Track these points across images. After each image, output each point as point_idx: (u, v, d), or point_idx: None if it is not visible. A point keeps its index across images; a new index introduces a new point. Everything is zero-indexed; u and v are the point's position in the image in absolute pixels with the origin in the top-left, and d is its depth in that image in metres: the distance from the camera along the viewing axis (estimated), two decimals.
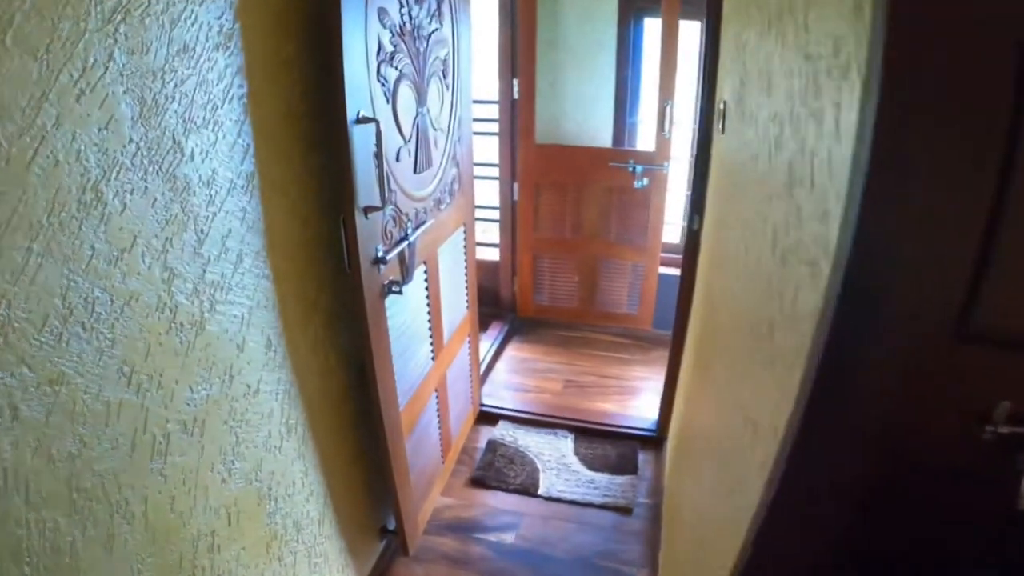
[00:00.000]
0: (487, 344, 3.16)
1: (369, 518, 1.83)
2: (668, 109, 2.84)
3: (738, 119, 1.31)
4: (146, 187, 0.86)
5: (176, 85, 0.89)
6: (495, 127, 3.22)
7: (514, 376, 3.02)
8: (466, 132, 2.09)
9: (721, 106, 1.60)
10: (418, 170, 1.65)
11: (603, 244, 3.22)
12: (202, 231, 0.98)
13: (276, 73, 1.14)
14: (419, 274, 1.74)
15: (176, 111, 0.90)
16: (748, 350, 1.03)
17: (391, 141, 1.46)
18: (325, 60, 1.21)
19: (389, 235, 1.48)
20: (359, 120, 1.26)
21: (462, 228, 2.13)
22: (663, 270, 3.24)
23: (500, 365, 3.11)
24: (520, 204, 3.25)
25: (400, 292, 1.51)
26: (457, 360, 2.21)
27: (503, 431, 2.56)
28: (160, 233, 0.90)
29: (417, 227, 1.65)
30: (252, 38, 1.05)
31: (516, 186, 3.23)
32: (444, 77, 1.80)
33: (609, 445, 2.51)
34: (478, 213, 2.81)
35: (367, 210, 1.34)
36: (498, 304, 3.53)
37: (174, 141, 0.90)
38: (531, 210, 3.24)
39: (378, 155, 1.32)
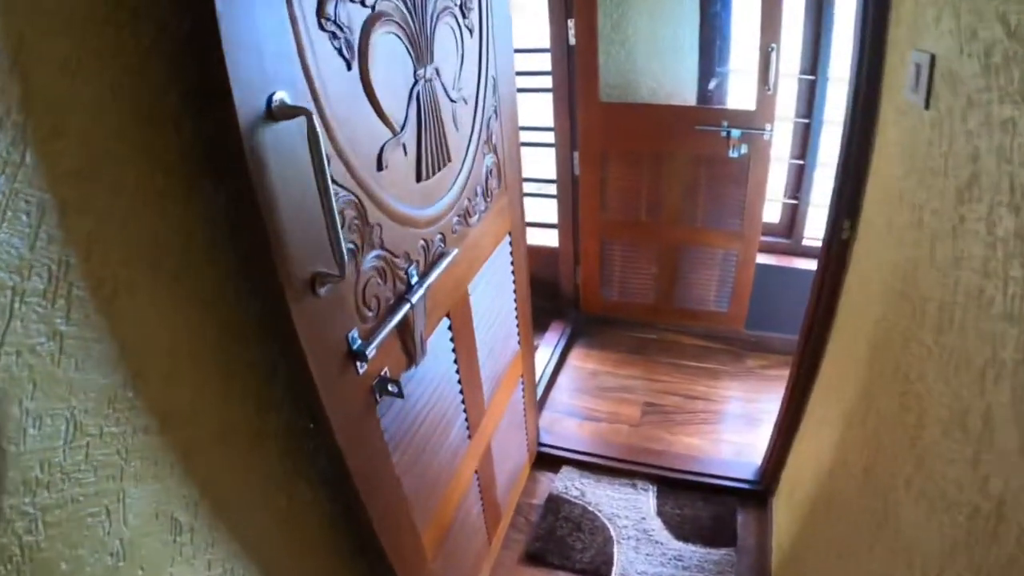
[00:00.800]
0: (546, 352, 2.61)
1: None
2: (773, 56, 2.12)
3: (1005, 101, 0.67)
4: None
5: None
6: (547, 82, 2.57)
7: (580, 397, 2.47)
8: (507, 98, 1.44)
9: (920, 63, 0.93)
10: (425, 174, 1.06)
11: (687, 227, 2.57)
12: None
13: (101, 40, 0.57)
14: (441, 331, 1.19)
15: None
16: None
17: (366, 137, 0.88)
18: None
19: (372, 303, 0.92)
20: (274, 112, 0.68)
21: (507, 239, 1.55)
22: (761, 259, 2.58)
23: (562, 380, 2.56)
24: (583, 178, 2.62)
25: (399, 394, 0.95)
26: (505, 415, 1.68)
27: (567, 481, 2.04)
28: None
29: (427, 271, 1.06)
30: None
31: (576, 156, 2.60)
32: (464, 15, 1.16)
33: (700, 501, 1.95)
34: (529, 188, 2.08)
35: (316, 281, 0.78)
36: (558, 298, 2.95)
37: None
38: (596, 186, 2.62)
39: (319, 172, 0.72)
